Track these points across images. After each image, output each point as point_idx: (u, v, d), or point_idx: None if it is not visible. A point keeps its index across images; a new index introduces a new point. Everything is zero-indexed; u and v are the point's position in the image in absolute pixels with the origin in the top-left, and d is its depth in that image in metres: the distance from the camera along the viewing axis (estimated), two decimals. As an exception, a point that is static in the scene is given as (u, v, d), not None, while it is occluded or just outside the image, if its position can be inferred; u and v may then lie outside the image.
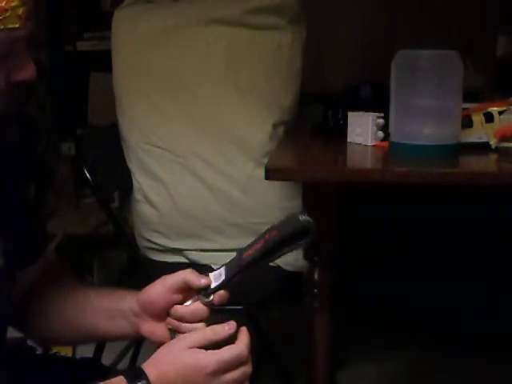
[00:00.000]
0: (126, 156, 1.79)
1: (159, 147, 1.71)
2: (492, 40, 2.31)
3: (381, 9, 2.67)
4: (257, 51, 1.68)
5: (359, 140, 1.44)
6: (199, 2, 1.74)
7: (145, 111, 1.72)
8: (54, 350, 1.21)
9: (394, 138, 1.31)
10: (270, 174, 1.21)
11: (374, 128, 1.41)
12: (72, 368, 1.02)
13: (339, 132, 1.50)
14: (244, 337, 0.81)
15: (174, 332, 0.86)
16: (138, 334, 0.92)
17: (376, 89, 1.58)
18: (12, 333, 0.97)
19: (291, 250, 0.83)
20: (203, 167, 1.68)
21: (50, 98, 2.73)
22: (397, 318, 2.40)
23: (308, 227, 0.81)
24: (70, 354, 1.83)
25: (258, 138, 1.66)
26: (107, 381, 0.78)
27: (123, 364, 1.92)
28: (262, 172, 1.21)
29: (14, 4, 0.73)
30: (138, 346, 1.95)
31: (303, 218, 0.82)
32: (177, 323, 0.86)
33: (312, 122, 1.72)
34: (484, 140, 1.32)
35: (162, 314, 0.88)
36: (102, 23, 2.23)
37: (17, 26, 0.74)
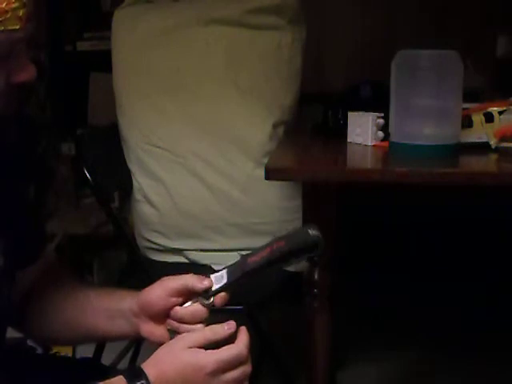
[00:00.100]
0: (126, 156, 1.79)
1: (159, 147, 1.71)
2: (492, 40, 2.31)
3: (381, 9, 2.67)
4: (257, 51, 1.68)
5: (359, 140, 1.44)
6: (199, 2, 1.74)
7: (145, 111, 1.72)
8: (54, 350, 1.22)
9: (394, 138, 1.31)
10: (270, 174, 1.20)
11: (374, 128, 1.41)
12: (72, 368, 1.02)
13: (339, 132, 1.50)
14: (243, 336, 0.82)
15: (173, 333, 0.86)
16: (137, 334, 0.92)
17: (376, 89, 1.58)
18: (12, 333, 0.97)
19: (297, 262, 0.83)
20: (203, 167, 1.68)
21: (49, 98, 2.73)
22: (397, 318, 2.40)
23: (317, 242, 0.82)
24: (70, 354, 1.83)
25: (257, 138, 1.66)
26: (107, 381, 0.78)
27: (123, 364, 1.92)
28: (261, 172, 1.21)
29: (14, 5, 0.73)
30: (138, 345, 1.95)
31: (313, 232, 0.82)
32: (176, 324, 0.86)
33: (312, 122, 1.72)
34: (484, 140, 1.32)
35: (161, 316, 0.88)
36: (102, 23, 2.23)
37: (17, 27, 0.74)
